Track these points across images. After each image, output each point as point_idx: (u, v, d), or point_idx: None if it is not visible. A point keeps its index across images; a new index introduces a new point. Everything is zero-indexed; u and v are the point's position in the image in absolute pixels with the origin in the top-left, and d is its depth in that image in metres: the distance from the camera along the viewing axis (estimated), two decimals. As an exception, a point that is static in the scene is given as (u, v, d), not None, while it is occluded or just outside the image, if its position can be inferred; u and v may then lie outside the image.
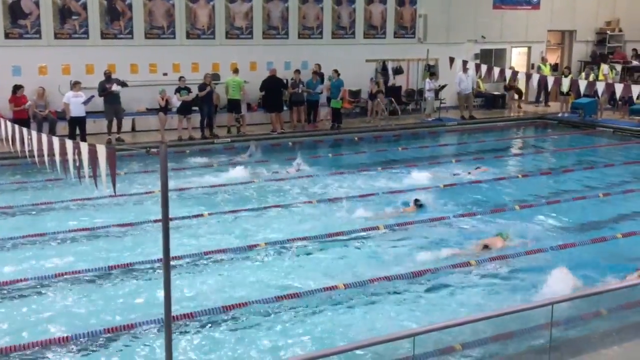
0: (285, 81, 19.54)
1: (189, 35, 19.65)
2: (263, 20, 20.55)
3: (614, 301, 7.87)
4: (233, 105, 18.64)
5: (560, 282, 8.33)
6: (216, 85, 18.73)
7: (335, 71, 19.80)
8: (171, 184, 12.92)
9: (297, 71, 19.59)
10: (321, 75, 20.16)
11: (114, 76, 17.63)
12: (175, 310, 7.61)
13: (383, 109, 20.65)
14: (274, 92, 19.07)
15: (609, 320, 7.84)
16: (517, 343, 7.21)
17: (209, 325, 7.68)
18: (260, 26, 20.53)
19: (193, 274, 9.18)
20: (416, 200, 12.07)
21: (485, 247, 9.99)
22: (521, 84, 23.56)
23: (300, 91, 19.47)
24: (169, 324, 4.95)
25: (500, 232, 10.40)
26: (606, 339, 7.42)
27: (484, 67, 20.32)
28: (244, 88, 18.64)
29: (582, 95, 20.27)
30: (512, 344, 7.21)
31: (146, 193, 12.80)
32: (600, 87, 18.32)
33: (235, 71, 18.78)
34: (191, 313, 7.80)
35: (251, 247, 10.03)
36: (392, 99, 21.75)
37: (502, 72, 19.98)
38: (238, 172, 14.59)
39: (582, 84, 18.40)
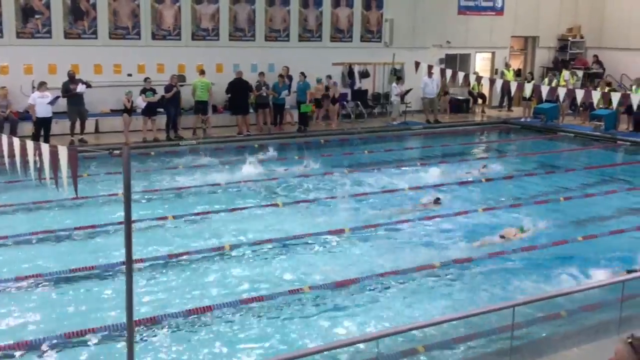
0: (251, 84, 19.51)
1: (154, 36, 19.49)
2: (230, 22, 20.49)
3: (573, 304, 8.03)
4: (201, 107, 18.53)
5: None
6: (182, 86, 18.59)
7: (302, 74, 19.81)
8: (136, 185, 12.85)
9: (262, 74, 19.55)
10: (290, 78, 20.15)
11: (77, 77, 17.40)
12: (140, 314, 7.56)
13: (338, 113, 20.75)
14: (240, 95, 19.01)
15: (568, 323, 7.99)
16: (479, 345, 7.30)
17: (173, 328, 7.62)
18: (226, 28, 20.46)
19: (158, 277, 9.10)
20: (437, 199, 12.66)
21: (502, 237, 10.67)
22: (485, 89, 23.92)
23: (265, 94, 19.44)
24: (131, 328, 4.89)
25: (522, 225, 11.05)
26: (566, 341, 7.56)
27: (449, 72, 20.55)
28: (210, 90, 18.56)
29: (544, 100, 20.61)
30: (474, 346, 7.30)
31: (110, 195, 12.64)
32: (561, 92, 18.64)
33: (202, 73, 18.68)
34: (154, 317, 7.73)
35: (215, 249, 9.99)
36: (359, 103, 21.86)
37: (466, 77, 20.22)
38: (205, 174, 14.52)
39: (544, 90, 18.70)
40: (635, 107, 18.88)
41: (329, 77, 21.09)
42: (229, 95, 19.32)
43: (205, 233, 10.88)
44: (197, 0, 19.93)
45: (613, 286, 7.59)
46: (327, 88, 20.81)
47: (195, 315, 7.87)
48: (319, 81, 20.72)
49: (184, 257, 9.70)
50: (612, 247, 10.47)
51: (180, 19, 19.77)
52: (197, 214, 11.75)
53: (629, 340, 3.24)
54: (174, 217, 11.50)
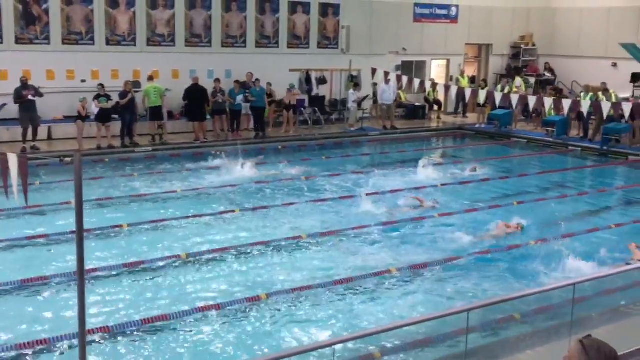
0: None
1: (108, 42, 19.24)
2: (186, 27, 20.35)
3: (527, 306, 8.16)
4: (155, 113, 18.34)
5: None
6: (137, 92, 18.38)
7: (258, 80, 19.78)
8: (91, 193, 12.64)
9: (217, 80, 19.45)
10: (244, 85, 20.06)
11: (30, 83, 17.06)
12: (93, 324, 7.43)
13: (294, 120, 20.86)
14: (197, 101, 18.87)
15: (522, 325, 8.12)
16: (435, 350, 7.37)
17: (127, 338, 7.51)
18: (182, 34, 20.32)
19: (112, 286, 8.96)
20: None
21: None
22: (440, 96, 24.23)
23: (220, 100, 19.35)
24: (83, 338, 4.81)
25: (520, 222, 11.63)
26: (520, 344, 7.68)
27: (405, 79, 20.76)
28: (163, 95, 18.40)
29: (497, 107, 20.98)
30: (429, 351, 7.37)
31: (62, 203, 12.40)
32: (514, 99, 19.00)
33: (150, 78, 18.46)
34: (107, 327, 7.61)
35: (169, 258, 9.89)
36: (316, 109, 21.93)
37: (422, 83, 20.46)
38: (161, 182, 14.37)
39: (498, 96, 19.03)
40: (585, 113, 19.41)
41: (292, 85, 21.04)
42: (186, 101, 19.17)
43: (161, 241, 10.76)
44: (153, 6, 19.75)
45: (565, 288, 7.74)
46: (270, 95, 20.82)
47: (151, 325, 7.77)
48: (292, 87, 20.79)
49: (140, 266, 9.58)
50: (563, 250, 10.69)
51: (135, 24, 19.55)
52: (153, 221, 11.61)
53: (581, 339, 3.29)
54: (129, 225, 11.35)
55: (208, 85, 19.37)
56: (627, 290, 8.99)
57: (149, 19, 19.76)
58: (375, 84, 22.56)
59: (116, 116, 17.72)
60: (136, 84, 18.89)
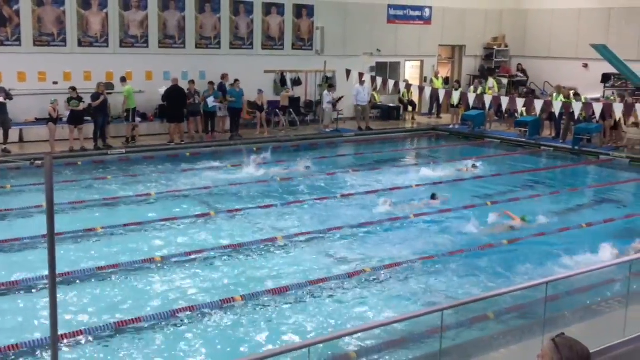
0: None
1: (81, 43, 19.04)
2: (159, 29, 20.22)
3: (500, 305, 8.25)
4: (132, 115, 18.22)
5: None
6: (109, 94, 18.23)
7: (237, 81, 19.76)
8: (64, 196, 12.51)
9: (192, 81, 19.36)
10: (220, 86, 20.02)
11: (0, 85, 16.82)
12: (66, 328, 7.36)
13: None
14: (177, 102, 18.74)
15: (496, 324, 8.20)
16: (410, 349, 7.42)
17: (100, 342, 7.45)
18: (156, 35, 20.18)
19: (85, 290, 8.88)
20: (433, 195, 13.47)
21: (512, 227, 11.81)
22: (415, 97, 24.37)
23: (196, 101, 19.27)
24: (55, 344, 4.76)
25: (524, 215, 12.02)
26: (494, 343, 7.76)
27: (379, 80, 20.84)
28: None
29: (471, 107, 21.15)
30: (404, 351, 7.41)
31: (35, 207, 12.24)
32: (487, 100, 19.17)
33: (124, 80, 18.33)
34: (80, 330, 7.54)
35: (146, 261, 9.82)
36: (291, 110, 21.92)
37: (396, 84, 20.56)
38: (135, 184, 14.27)
39: (471, 97, 19.20)
40: (557, 114, 19.66)
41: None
42: (165, 102, 18.99)
43: (136, 244, 10.69)
44: (125, 7, 19.59)
45: (537, 287, 7.83)
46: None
47: (124, 327, 7.71)
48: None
49: (114, 269, 9.50)
50: (536, 249, 10.83)
51: (107, 25, 19.38)
52: (128, 224, 11.52)
53: (553, 338, 3.35)
54: (103, 228, 11.25)
55: (182, 86, 19.25)
56: (598, 288, 9.12)
57: (121, 20, 19.59)
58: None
59: (88, 118, 17.55)
60: (109, 86, 18.73)
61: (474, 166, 16.89)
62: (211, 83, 19.64)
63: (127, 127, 18.41)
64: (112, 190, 14.02)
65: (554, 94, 21.16)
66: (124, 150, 17.60)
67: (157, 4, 20.07)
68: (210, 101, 19.31)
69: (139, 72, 19.52)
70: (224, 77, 20.13)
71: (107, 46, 19.46)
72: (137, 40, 19.93)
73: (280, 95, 21.98)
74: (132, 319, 7.88)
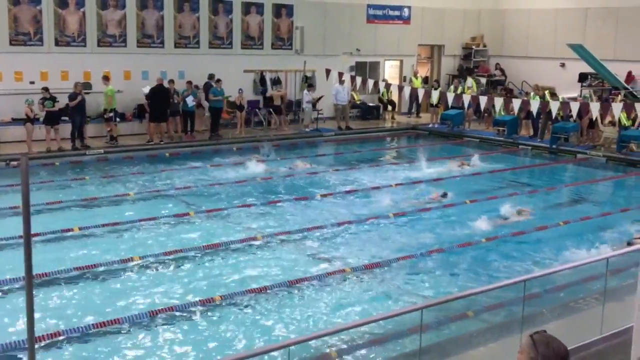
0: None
1: (57, 43, 18.85)
2: (137, 28, 20.07)
3: (479, 303, 8.30)
4: (112, 115, 18.10)
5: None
6: (87, 94, 18.07)
7: (219, 80, 19.71)
8: (39, 197, 12.39)
9: (172, 81, 19.25)
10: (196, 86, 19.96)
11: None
12: (43, 329, 7.29)
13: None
14: (161, 102, 18.60)
15: (475, 322, 8.25)
16: (389, 348, 7.44)
17: (79, 343, 7.39)
18: (134, 34, 20.03)
19: (62, 291, 8.80)
20: (444, 194, 13.89)
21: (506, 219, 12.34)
22: (394, 96, 24.45)
23: (176, 101, 19.18)
24: (32, 342, 4.71)
25: (521, 208, 12.61)
26: (473, 340, 7.81)
27: (359, 79, 20.88)
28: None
29: (450, 107, 21.24)
30: (384, 349, 7.43)
31: (12, 208, 12.10)
32: (466, 99, 19.28)
33: (106, 79, 18.19)
34: (58, 332, 7.48)
35: (124, 261, 9.76)
36: (271, 110, 21.88)
37: (376, 84, 20.60)
38: (114, 184, 14.17)
39: (450, 97, 19.29)
40: (535, 113, 19.83)
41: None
42: (149, 101, 18.83)
43: (114, 244, 10.61)
44: (103, 6, 19.43)
45: (515, 285, 7.90)
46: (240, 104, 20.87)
47: (103, 329, 7.66)
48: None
49: (92, 269, 9.42)
50: (513, 247, 10.92)
51: (85, 24, 19.20)
52: (106, 225, 11.43)
53: (531, 334, 3.37)
54: (80, 229, 11.15)
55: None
56: (576, 286, 9.22)
57: (99, 19, 19.43)
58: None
59: (66, 118, 17.39)
60: (87, 86, 18.57)
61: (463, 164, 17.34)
62: (189, 82, 19.54)
63: (106, 126, 18.26)
64: (90, 190, 13.91)
65: (532, 94, 21.34)
66: (102, 151, 17.46)
67: (135, 3, 19.93)
68: (190, 101, 19.21)
69: (117, 71, 19.37)
70: (212, 77, 20.06)
71: (85, 45, 19.28)
72: (115, 39, 19.77)
73: (272, 94, 21.93)
74: (111, 320, 7.82)
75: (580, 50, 21.60)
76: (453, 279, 9.56)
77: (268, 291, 8.87)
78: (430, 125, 23.54)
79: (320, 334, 6.42)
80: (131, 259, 9.83)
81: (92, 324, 7.72)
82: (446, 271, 9.88)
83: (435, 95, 20.39)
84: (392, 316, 6.94)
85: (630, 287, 7.26)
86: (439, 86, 23.77)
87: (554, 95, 20.78)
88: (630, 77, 22.95)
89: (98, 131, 18.49)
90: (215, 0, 21.37)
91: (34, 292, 4.42)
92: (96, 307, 8.34)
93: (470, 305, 8.20)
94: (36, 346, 5.68)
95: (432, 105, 23.32)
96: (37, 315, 4.79)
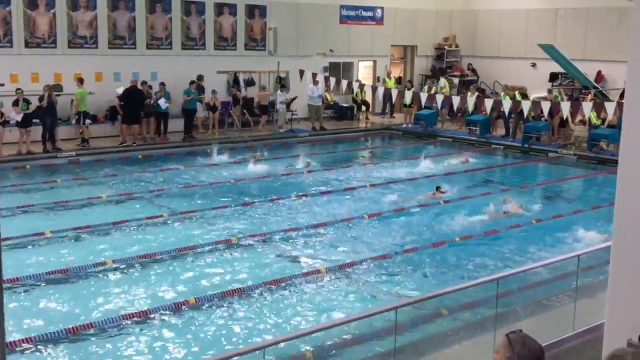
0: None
1: (27, 44, 18.60)
2: (109, 29, 19.88)
3: (453, 302, 8.36)
4: (83, 117, 17.91)
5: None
6: (58, 96, 17.86)
7: (194, 82, 19.63)
8: (10, 201, 12.22)
9: (144, 82, 19.11)
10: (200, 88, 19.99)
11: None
12: (13, 336, 7.20)
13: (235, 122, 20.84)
14: (135, 104, 18.43)
15: (449, 321, 8.31)
16: (365, 347, 7.47)
17: (51, 349, 7.30)
18: (105, 35, 19.84)
19: (35, 295, 8.69)
20: (438, 187, 14.24)
21: (505, 212, 12.69)
22: (368, 97, 24.52)
23: (151, 102, 19.04)
24: (2, 348, 4.64)
25: (521, 203, 13.09)
26: (447, 339, 7.86)
27: (332, 80, 20.90)
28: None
29: (423, 107, 21.37)
30: (360, 349, 7.45)
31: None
32: (439, 99, 19.40)
33: (81, 81, 17.99)
34: (29, 338, 7.38)
35: (97, 265, 9.66)
36: (245, 111, 21.82)
37: (349, 84, 20.65)
38: (86, 187, 14.03)
39: (423, 97, 19.40)
40: (507, 113, 20.03)
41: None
42: (122, 103, 18.64)
43: (87, 248, 10.50)
44: (73, 7, 19.21)
45: (489, 283, 7.97)
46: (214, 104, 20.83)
47: (74, 333, 7.57)
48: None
49: (64, 274, 9.31)
50: (486, 246, 11.02)
51: (55, 26, 18.98)
52: (77, 228, 11.30)
53: (507, 334, 3.39)
54: (52, 232, 11.02)
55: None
56: (548, 283, 9.33)
57: (69, 20, 19.20)
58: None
59: (37, 121, 17.16)
60: (57, 87, 18.35)
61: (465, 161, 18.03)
62: (162, 84, 19.39)
63: (77, 129, 18.06)
64: (62, 193, 13.74)
65: (502, 94, 21.55)
66: (73, 153, 17.27)
67: (106, 4, 19.74)
68: (162, 102, 19.07)
69: (89, 73, 19.14)
70: (200, 78, 20.06)
71: (55, 47, 19.05)
72: (86, 40, 19.56)
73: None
74: (83, 325, 7.74)
75: (550, 50, 21.86)
76: (428, 278, 9.62)
77: (243, 293, 8.84)
78: (404, 126, 23.66)
79: (296, 334, 6.42)
80: (104, 263, 9.73)
81: (64, 329, 7.62)
82: (421, 270, 9.93)
83: (408, 96, 20.49)
84: (367, 316, 6.96)
85: (602, 283, 7.37)
86: (412, 86, 23.89)
87: (524, 95, 20.97)
88: (599, 76, 23.32)
89: (69, 133, 18.27)
90: (188, 1, 21.25)
91: (4, 297, 4.37)
92: (68, 312, 8.25)
93: (444, 304, 8.26)
94: (7, 352, 5.60)
95: (405, 105, 23.44)
96: (7, 320, 4.72)
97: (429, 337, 7.87)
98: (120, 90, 18.70)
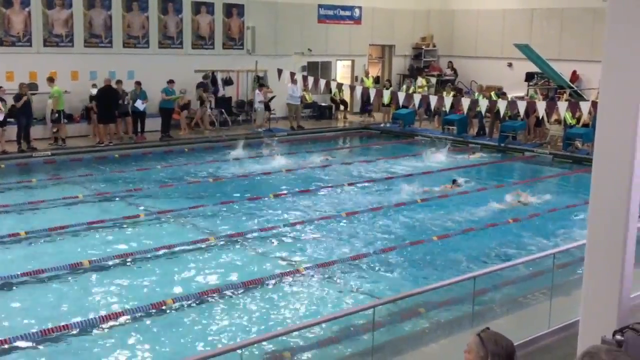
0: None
1: (2, 43, 18.37)
2: (85, 28, 19.69)
3: (431, 300, 8.41)
4: (61, 115, 17.72)
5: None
6: (33, 95, 17.65)
7: (172, 81, 19.52)
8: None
9: (119, 81, 18.94)
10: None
11: None
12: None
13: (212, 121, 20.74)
14: (109, 103, 18.25)
15: (427, 319, 8.36)
16: (342, 347, 7.48)
17: (28, 350, 7.22)
18: (81, 34, 19.65)
19: (9, 297, 8.59)
20: (454, 181, 14.89)
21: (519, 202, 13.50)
22: (346, 96, 24.55)
23: (127, 102, 18.90)
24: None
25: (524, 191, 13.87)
26: (424, 337, 7.90)
27: (311, 79, 20.89)
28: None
29: (401, 106, 21.44)
30: (337, 348, 7.46)
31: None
32: (416, 98, 19.48)
33: (51, 80, 17.79)
34: (6, 339, 7.29)
35: (74, 266, 9.58)
36: (223, 110, 21.75)
37: (327, 84, 20.64)
38: (62, 187, 13.88)
39: (401, 96, 19.47)
40: (483, 112, 20.18)
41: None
42: (96, 102, 18.46)
43: (63, 249, 10.40)
44: (49, 5, 19.00)
45: (465, 282, 8.02)
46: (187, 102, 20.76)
47: (50, 335, 7.50)
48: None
49: (39, 274, 9.21)
50: (464, 244, 11.09)
51: (30, 24, 18.76)
52: (53, 229, 11.18)
53: (479, 333, 3.42)
54: (27, 233, 10.90)
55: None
56: (524, 281, 9.42)
57: (45, 18, 18.99)
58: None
59: (12, 120, 16.96)
60: (32, 86, 18.14)
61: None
62: (138, 83, 19.24)
63: (53, 128, 17.87)
64: (38, 193, 13.59)
65: (476, 94, 21.70)
66: (49, 153, 17.09)
67: (82, 2, 19.55)
68: (140, 104, 18.92)
69: (64, 72, 18.95)
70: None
71: (30, 45, 18.83)
72: (61, 39, 19.36)
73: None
74: (60, 326, 7.66)
75: (526, 50, 22.05)
76: (407, 277, 9.65)
77: (221, 293, 8.82)
78: (382, 125, 23.73)
79: (273, 334, 6.41)
80: (80, 264, 9.64)
81: (40, 331, 7.55)
82: (399, 268, 9.96)
83: (386, 95, 20.56)
84: (344, 315, 6.97)
85: (577, 281, 7.44)
86: (390, 86, 23.96)
87: (501, 95, 21.11)
88: (574, 76, 23.58)
89: (44, 133, 18.06)
90: (165, -1, 21.14)
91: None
92: (44, 313, 8.16)
93: (421, 303, 8.30)
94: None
95: (384, 104, 23.51)
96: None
97: (406, 335, 7.89)
98: (94, 91, 18.54)
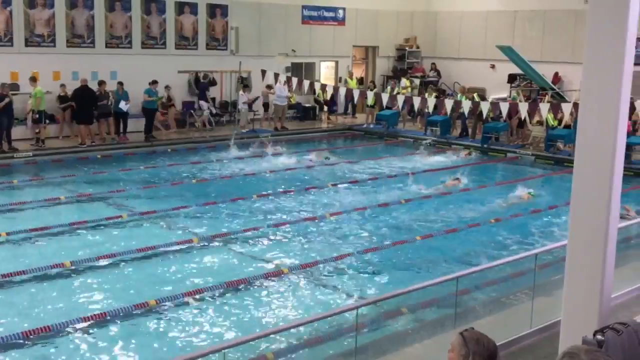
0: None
1: (-18, 42, 18.22)
2: (67, 27, 19.55)
3: (414, 300, 8.43)
4: (42, 116, 17.57)
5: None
6: (15, 95, 17.50)
7: (156, 82, 19.43)
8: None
9: (102, 82, 18.82)
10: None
11: None
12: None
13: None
14: (86, 103, 18.14)
15: (410, 319, 8.38)
16: (326, 348, 7.48)
17: (11, 352, 7.16)
18: (63, 34, 19.51)
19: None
20: (456, 178, 15.26)
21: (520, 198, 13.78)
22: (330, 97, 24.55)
23: (109, 102, 18.78)
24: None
25: (530, 190, 14.01)
26: (408, 337, 7.92)
27: (294, 80, 20.89)
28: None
29: (385, 107, 21.48)
30: (321, 349, 7.47)
31: None
32: (400, 100, 19.55)
33: (34, 80, 17.64)
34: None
35: (55, 267, 9.50)
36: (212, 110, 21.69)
37: (311, 85, 20.66)
38: (43, 188, 13.76)
39: (384, 97, 19.52)
40: (466, 113, 20.29)
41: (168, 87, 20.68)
42: (73, 103, 18.32)
43: (45, 250, 10.31)
44: (30, 5, 18.84)
45: (448, 282, 8.05)
46: (169, 98, 20.60)
47: (32, 336, 7.43)
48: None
49: (20, 276, 9.13)
50: (447, 244, 11.14)
51: (12, 24, 18.58)
52: (34, 230, 11.08)
53: (461, 332, 3.44)
54: (7, 234, 10.79)
55: (92, 87, 18.67)
56: (506, 282, 9.47)
57: (26, 18, 18.83)
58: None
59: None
60: (14, 87, 17.98)
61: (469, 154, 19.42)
62: (120, 83, 19.12)
63: (34, 128, 17.73)
64: (19, 194, 13.47)
65: (459, 95, 21.82)
66: (30, 153, 16.95)
67: (65, 2, 19.41)
68: (123, 105, 18.80)
69: (46, 72, 18.81)
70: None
71: (12, 45, 18.66)
72: (43, 39, 19.21)
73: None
74: (41, 328, 7.60)
75: (509, 52, 22.19)
76: (390, 277, 9.67)
77: (204, 293, 8.79)
78: (366, 126, 23.78)
79: (257, 335, 6.40)
80: (62, 265, 9.57)
81: (21, 332, 7.48)
82: (383, 269, 9.99)
83: (370, 96, 20.61)
84: (328, 316, 6.97)
85: (558, 281, 7.49)
86: (375, 87, 24.01)
87: (482, 97, 21.24)
88: (556, 77, 23.77)
89: (24, 134, 17.91)
90: (148, -1, 21.05)
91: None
92: (24, 314, 8.09)
93: (404, 303, 8.32)
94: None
95: (367, 105, 23.55)
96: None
97: (390, 335, 7.90)
98: (62, 93, 18.47)
